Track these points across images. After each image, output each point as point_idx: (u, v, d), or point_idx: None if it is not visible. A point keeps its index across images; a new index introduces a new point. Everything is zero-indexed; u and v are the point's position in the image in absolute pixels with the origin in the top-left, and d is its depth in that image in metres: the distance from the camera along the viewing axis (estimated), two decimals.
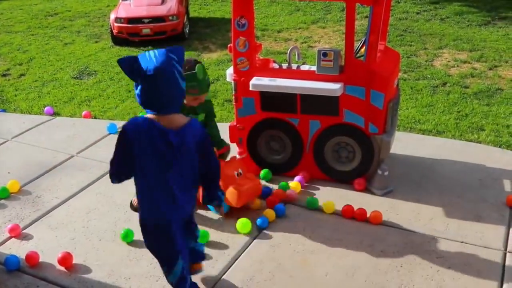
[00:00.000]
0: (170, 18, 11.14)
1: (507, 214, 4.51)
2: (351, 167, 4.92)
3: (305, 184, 4.98)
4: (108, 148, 5.92)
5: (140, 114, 6.74)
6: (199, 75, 4.20)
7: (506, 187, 4.92)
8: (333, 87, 4.60)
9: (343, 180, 4.98)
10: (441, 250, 4.08)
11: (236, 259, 4.05)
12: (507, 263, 3.94)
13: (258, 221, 4.37)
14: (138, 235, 4.32)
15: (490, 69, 8.59)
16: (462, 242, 4.16)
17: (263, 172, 5.08)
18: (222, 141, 4.71)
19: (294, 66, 4.99)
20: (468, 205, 4.63)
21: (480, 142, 5.99)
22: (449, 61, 9.01)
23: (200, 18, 13.21)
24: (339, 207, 4.57)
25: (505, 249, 4.09)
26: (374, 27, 4.51)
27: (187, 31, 11.64)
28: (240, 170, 4.57)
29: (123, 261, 4.08)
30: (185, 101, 4.21)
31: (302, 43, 10.53)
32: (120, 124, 6.58)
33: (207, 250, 4.12)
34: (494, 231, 4.27)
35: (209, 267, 3.95)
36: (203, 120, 4.60)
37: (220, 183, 3.56)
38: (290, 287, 3.75)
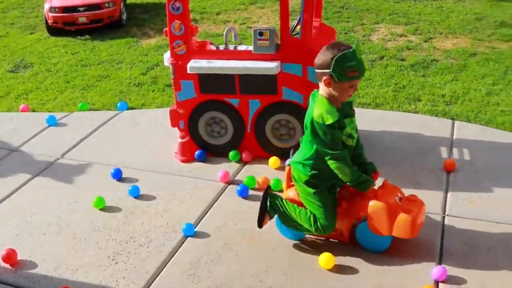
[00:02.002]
0: (106, 5, 10.93)
1: (444, 180, 4.67)
2: (293, 143, 4.97)
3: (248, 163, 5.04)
4: (48, 140, 5.84)
5: (81, 104, 6.63)
6: (358, 53, 3.42)
7: (443, 153, 5.09)
8: (270, 66, 4.63)
9: (286, 157, 5.02)
10: None
11: (183, 242, 4.07)
12: (446, 226, 4.08)
13: (184, 229, 4.16)
14: (76, 225, 4.32)
15: (425, 41, 8.78)
16: None
17: (232, 153, 5.10)
18: (371, 162, 3.89)
19: (231, 47, 5.00)
20: (408, 173, 4.77)
21: (417, 112, 6.14)
22: (385, 35, 9.17)
23: (138, 4, 13.01)
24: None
25: (444, 213, 4.23)
26: (308, 5, 4.56)
27: (125, 17, 11.46)
28: (399, 194, 3.78)
29: (69, 253, 4.04)
30: (335, 94, 3.49)
31: (241, 24, 10.53)
32: (59, 116, 6.48)
33: (153, 235, 4.14)
34: (433, 197, 4.41)
35: (157, 251, 3.97)
36: (357, 126, 3.79)
37: (384, 215, 3.62)
38: (237, 265, 3.79)
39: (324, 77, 3.45)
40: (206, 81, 4.87)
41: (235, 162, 5.10)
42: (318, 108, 3.50)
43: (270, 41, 4.66)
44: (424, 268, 3.65)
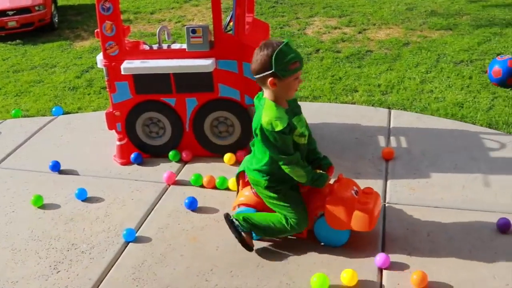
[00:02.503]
0: (37, 8, 10.65)
1: (383, 168, 4.75)
2: (232, 140, 4.97)
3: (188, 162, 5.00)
4: None
5: (14, 111, 6.43)
6: (292, 44, 3.35)
7: (381, 142, 5.18)
8: (204, 63, 4.61)
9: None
10: None
11: (126, 246, 4.00)
12: (387, 213, 4.15)
13: (125, 235, 4.05)
14: (15, 236, 4.19)
15: (360, 32, 8.93)
16: None
17: (171, 153, 5.02)
18: (326, 157, 3.91)
19: (164, 46, 4.95)
20: (348, 164, 4.82)
21: (354, 103, 6.23)
22: (320, 28, 9.27)
23: (70, 6, 12.75)
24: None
25: (384, 201, 4.31)
26: (239, 0, 4.54)
27: (56, 20, 11.22)
28: (355, 188, 3.80)
29: (8, 265, 3.91)
30: (282, 93, 3.42)
31: (176, 22, 10.44)
32: None
33: (95, 241, 4.05)
34: (373, 185, 4.42)
35: (99, 257, 3.88)
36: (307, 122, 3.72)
37: (341, 209, 3.61)
38: (182, 266, 3.75)
39: (269, 79, 3.33)
40: (141, 81, 4.80)
41: (175, 162, 5.06)
42: (267, 115, 3.38)
43: (204, 39, 4.64)
44: (368, 256, 3.70)
